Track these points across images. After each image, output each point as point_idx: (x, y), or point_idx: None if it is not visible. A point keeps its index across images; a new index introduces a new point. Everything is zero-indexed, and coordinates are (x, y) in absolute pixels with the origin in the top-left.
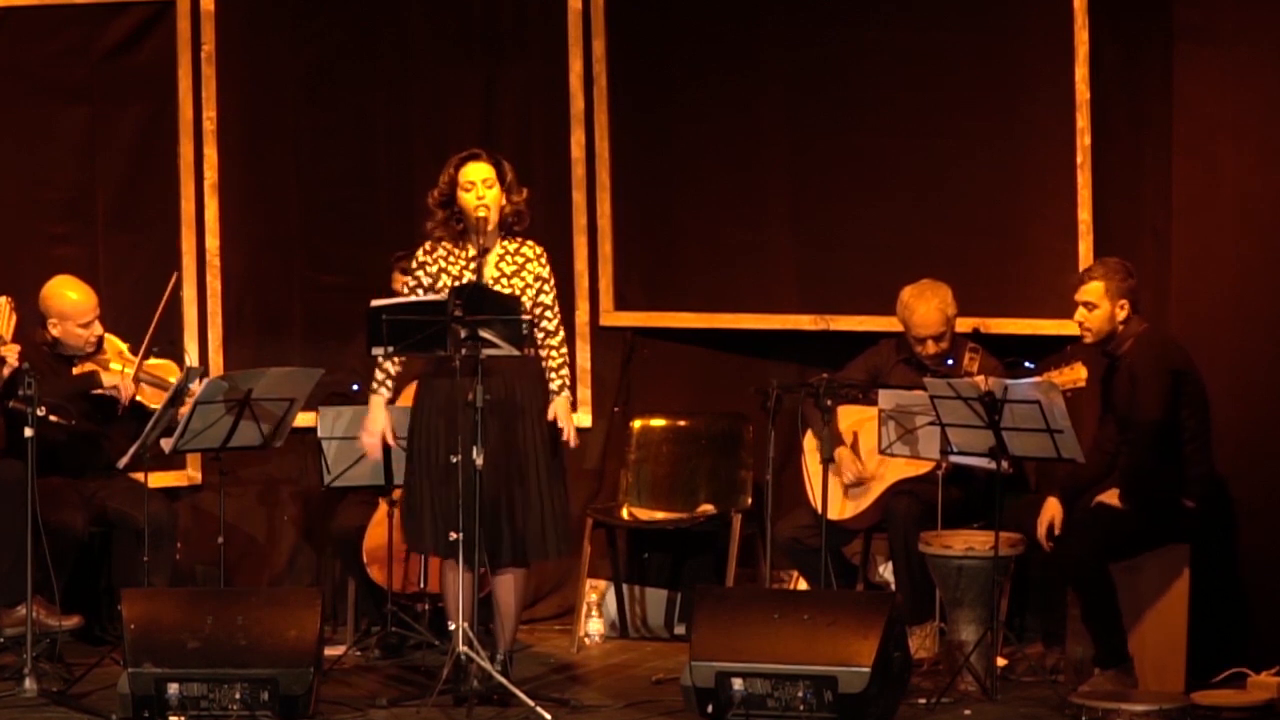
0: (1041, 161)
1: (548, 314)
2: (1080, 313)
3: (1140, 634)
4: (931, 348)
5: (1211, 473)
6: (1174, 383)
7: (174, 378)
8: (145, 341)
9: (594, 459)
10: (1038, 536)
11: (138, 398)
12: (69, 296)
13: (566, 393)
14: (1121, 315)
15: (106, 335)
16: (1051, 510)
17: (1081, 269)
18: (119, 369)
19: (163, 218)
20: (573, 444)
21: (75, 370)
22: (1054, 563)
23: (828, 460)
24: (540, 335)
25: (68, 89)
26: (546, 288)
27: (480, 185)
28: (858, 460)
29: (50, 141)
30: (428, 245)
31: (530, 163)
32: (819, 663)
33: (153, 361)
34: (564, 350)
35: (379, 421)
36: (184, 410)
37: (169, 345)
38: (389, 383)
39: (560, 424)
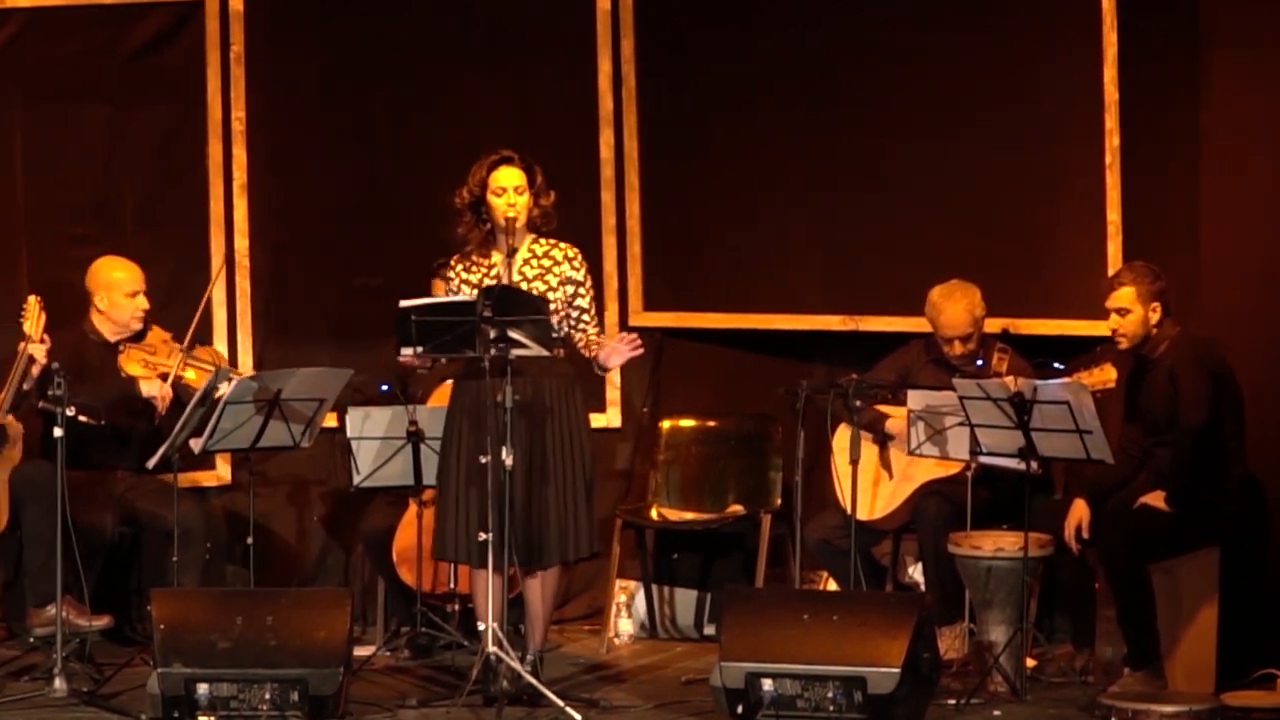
0: (1070, 162)
1: (584, 318)
2: (1114, 319)
3: (1171, 635)
4: (959, 348)
5: (1246, 474)
6: (1215, 385)
7: (223, 363)
8: (190, 330)
9: (623, 459)
10: (1065, 538)
11: (185, 384)
12: (114, 271)
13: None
14: (1155, 318)
15: (153, 326)
16: (1079, 512)
17: (1110, 273)
18: (159, 360)
19: (190, 218)
20: (632, 347)
21: (121, 357)
22: (1090, 563)
23: (856, 461)
24: (579, 339)
25: (95, 89)
26: (582, 291)
27: (512, 191)
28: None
29: (77, 142)
30: (454, 259)
31: (559, 163)
32: (848, 663)
33: (200, 349)
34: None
35: None
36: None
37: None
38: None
39: (613, 343)
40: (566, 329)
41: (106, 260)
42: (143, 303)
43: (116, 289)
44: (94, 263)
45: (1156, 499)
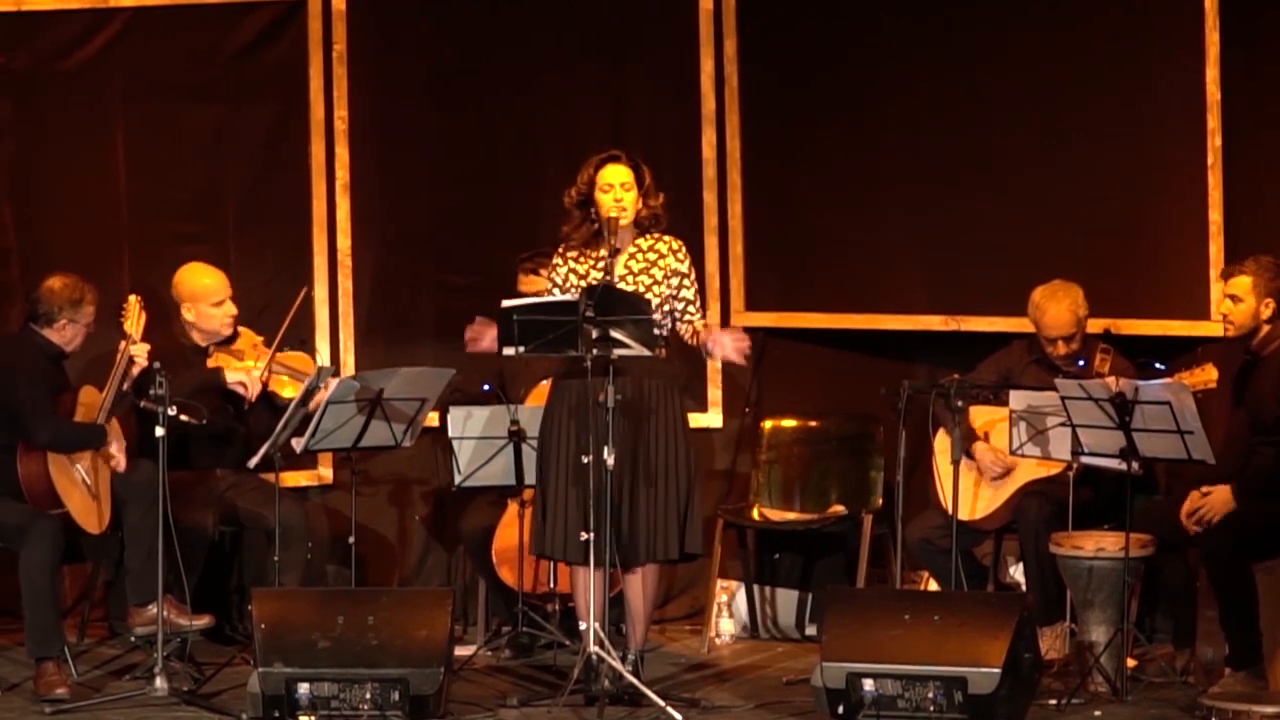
0: (1172, 163)
1: (690, 309)
2: (1225, 305)
3: (1272, 635)
4: (1063, 348)
5: None
6: None
7: (310, 369)
8: (279, 335)
9: (725, 459)
10: (1182, 517)
11: (271, 389)
12: (200, 279)
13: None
14: (1266, 313)
15: (241, 328)
16: (1222, 496)
17: (1214, 273)
18: (246, 364)
19: (293, 217)
20: (739, 348)
21: (209, 361)
22: (1192, 563)
23: (958, 461)
24: (684, 329)
25: (198, 89)
26: (686, 283)
27: (619, 188)
28: (995, 450)
29: (181, 141)
30: (560, 249)
31: (661, 163)
32: (949, 663)
33: (288, 353)
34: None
35: None
36: (317, 400)
37: (300, 344)
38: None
39: (722, 334)
40: (670, 325)
41: (190, 269)
42: (230, 309)
43: (202, 299)
44: (178, 271)
45: (1223, 493)
